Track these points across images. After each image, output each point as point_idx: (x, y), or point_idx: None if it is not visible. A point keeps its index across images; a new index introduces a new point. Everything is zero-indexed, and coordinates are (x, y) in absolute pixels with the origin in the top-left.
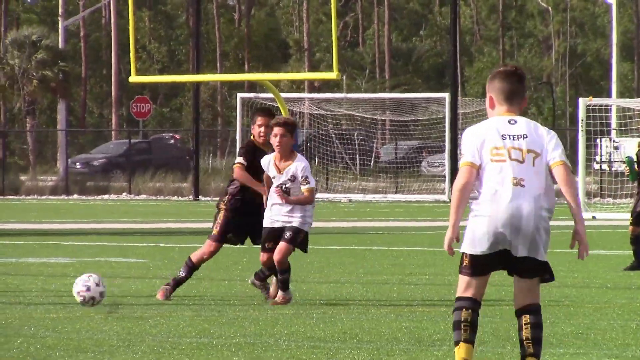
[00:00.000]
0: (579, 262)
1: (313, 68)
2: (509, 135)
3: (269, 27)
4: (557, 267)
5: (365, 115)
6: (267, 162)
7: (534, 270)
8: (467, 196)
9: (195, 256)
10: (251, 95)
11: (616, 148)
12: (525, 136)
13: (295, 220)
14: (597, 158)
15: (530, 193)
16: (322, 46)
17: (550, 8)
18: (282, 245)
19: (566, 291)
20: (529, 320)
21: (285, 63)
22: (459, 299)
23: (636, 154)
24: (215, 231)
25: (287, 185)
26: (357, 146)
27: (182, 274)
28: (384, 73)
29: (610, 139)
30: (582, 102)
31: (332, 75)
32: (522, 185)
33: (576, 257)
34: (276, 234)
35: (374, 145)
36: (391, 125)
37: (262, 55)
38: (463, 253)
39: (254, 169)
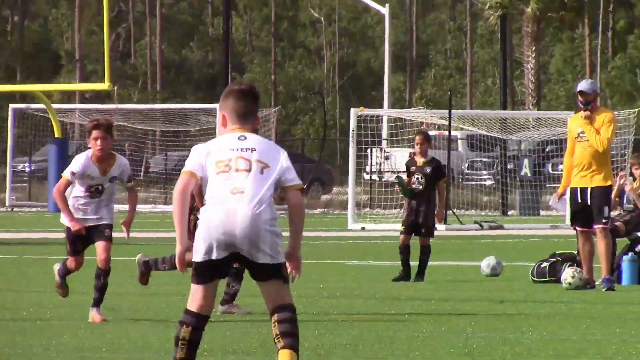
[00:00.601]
0: (348, 273)
1: (85, 79)
2: (237, 148)
3: (41, 37)
4: (328, 278)
5: (136, 126)
6: (86, 162)
7: (269, 272)
8: (186, 203)
9: None
10: (23, 106)
11: (387, 158)
12: (254, 149)
13: (106, 217)
14: (368, 168)
15: (248, 200)
16: (94, 57)
17: (322, 19)
18: (104, 244)
19: (335, 302)
20: (277, 318)
21: (58, 74)
22: (186, 311)
23: (406, 164)
24: None
25: (104, 186)
26: (127, 157)
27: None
28: (155, 84)
29: (381, 149)
30: (354, 112)
31: (104, 86)
32: (242, 192)
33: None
34: (86, 236)
35: (145, 156)
36: (162, 135)
37: (34, 66)
38: (192, 262)
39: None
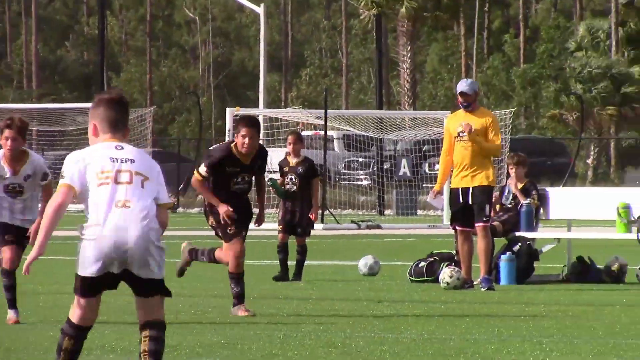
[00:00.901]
0: (226, 272)
1: None
2: (117, 159)
3: None
4: (206, 277)
5: None
6: None
7: (150, 288)
8: (60, 216)
9: (231, 267)
10: None
11: None
12: (132, 160)
13: (29, 221)
14: None
15: (136, 214)
16: None
17: (197, 18)
18: (20, 250)
19: (213, 301)
20: (148, 334)
21: None
22: (68, 322)
23: (279, 165)
24: (224, 239)
25: (21, 185)
26: None
27: (235, 289)
28: (31, 83)
29: None
30: (229, 112)
31: None
32: (128, 207)
33: None
34: (14, 230)
35: None
36: (38, 135)
37: None
38: (76, 274)
39: (221, 175)
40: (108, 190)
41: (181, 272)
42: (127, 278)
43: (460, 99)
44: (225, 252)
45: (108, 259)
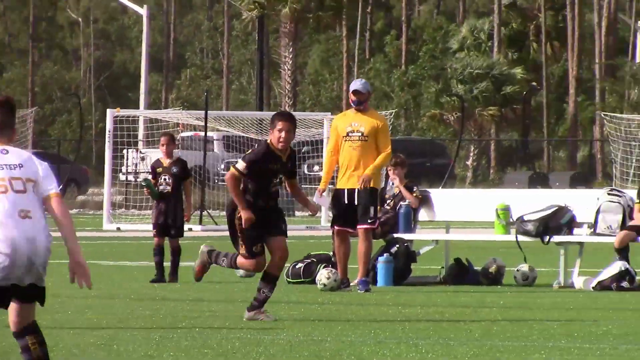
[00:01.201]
0: (103, 273)
1: None
2: (7, 165)
3: None
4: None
5: None
6: None
7: (36, 295)
8: None
9: (249, 266)
10: None
11: (143, 159)
12: (21, 165)
13: None
14: (124, 169)
15: (38, 224)
16: None
17: (80, 20)
18: None
19: (90, 302)
20: (35, 340)
21: None
22: None
23: (151, 166)
24: (242, 249)
25: None
26: None
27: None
28: None
29: (137, 150)
30: (110, 113)
31: None
32: (30, 217)
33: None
34: None
35: None
36: None
37: None
38: None
39: (263, 174)
40: (7, 200)
41: (200, 277)
42: (18, 287)
43: (353, 97)
44: (247, 261)
45: (19, 270)
